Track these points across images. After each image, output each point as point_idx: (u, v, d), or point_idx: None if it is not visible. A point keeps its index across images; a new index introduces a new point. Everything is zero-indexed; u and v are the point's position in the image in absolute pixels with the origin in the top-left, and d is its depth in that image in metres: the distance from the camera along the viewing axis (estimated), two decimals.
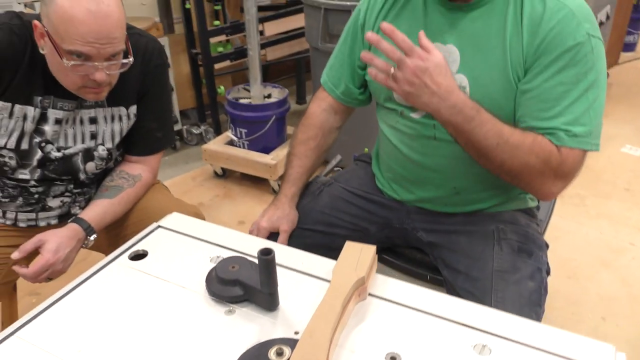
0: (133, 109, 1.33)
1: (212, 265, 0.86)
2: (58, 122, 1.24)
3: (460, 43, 1.10)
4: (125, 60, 1.17)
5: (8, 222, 1.34)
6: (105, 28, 1.08)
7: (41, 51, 1.15)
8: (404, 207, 1.31)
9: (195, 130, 3.16)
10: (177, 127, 3.08)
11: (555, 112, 1.01)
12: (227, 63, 3.07)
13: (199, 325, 0.77)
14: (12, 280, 1.44)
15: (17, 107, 1.19)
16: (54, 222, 1.37)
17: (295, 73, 3.58)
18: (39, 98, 1.21)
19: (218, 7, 2.93)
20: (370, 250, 0.82)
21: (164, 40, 2.86)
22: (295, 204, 1.31)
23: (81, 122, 1.28)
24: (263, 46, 3.10)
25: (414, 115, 1.18)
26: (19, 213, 1.33)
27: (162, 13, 3.24)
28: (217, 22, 3.00)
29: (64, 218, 1.38)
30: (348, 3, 2.46)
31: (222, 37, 3.01)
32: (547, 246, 1.25)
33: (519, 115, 1.07)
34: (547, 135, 1.02)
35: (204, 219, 1.45)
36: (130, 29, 1.33)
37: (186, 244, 0.93)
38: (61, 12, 1.06)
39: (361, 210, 1.35)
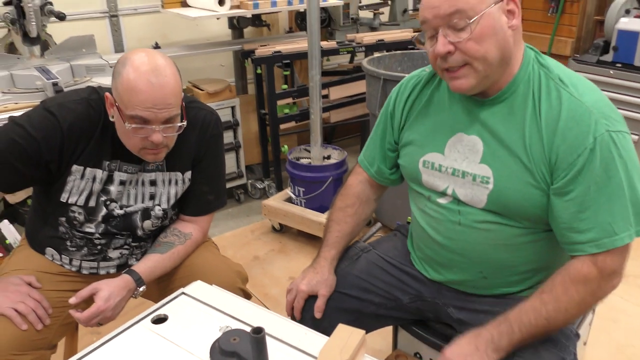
0: (188, 174, 1.48)
1: (219, 334, 0.96)
2: (122, 183, 1.42)
3: (482, 135, 1.16)
4: (180, 124, 1.33)
5: (73, 269, 1.50)
6: (162, 96, 1.25)
7: (110, 119, 1.34)
8: (436, 284, 1.34)
9: (259, 185, 3.33)
10: (242, 181, 3.28)
11: (588, 220, 1.04)
12: (292, 124, 3.24)
13: None
14: (73, 321, 1.60)
15: (88, 170, 1.37)
16: (112, 271, 1.53)
17: (361, 132, 3.70)
18: (107, 162, 1.39)
19: (287, 72, 3.13)
20: (359, 334, 0.88)
21: (235, 101, 3.09)
22: (334, 267, 1.36)
23: (142, 183, 1.45)
24: (328, 109, 3.25)
25: (441, 200, 1.24)
26: (83, 261, 1.50)
27: (238, 75, 3.50)
28: (284, 86, 3.20)
29: (122, 268, 1.52)
30: (405, 75, 2.56)
31: (289, 100, 3.20)
32: (577, 336, 1.24)
33: (554, 217, 1.09)
34: (579, 252, 1.05)
35: (246, 277, 1.56)
36: (192, 102, 1.52)
37: (202, 312, 1.04)
38: (126, 83, 1.24)
39: (395, 279, 1.38)
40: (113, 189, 1.42)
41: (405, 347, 1.57)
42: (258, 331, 0.82)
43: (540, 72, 1.12)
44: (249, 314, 1.03)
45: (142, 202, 1.46)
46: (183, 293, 1.09)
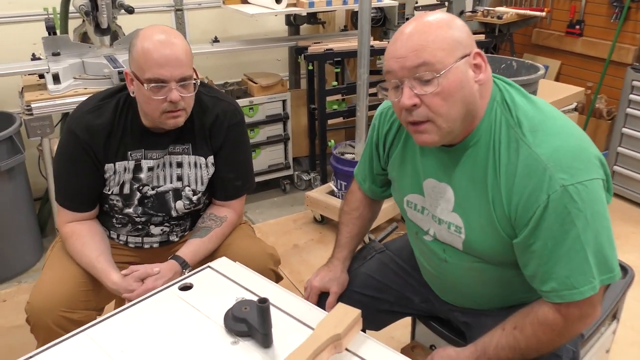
0: (210, 159, 1.61)
1: (234, 304, 1.08)
2: (150, 169, 1.56)
3: (451, 183, 1.15)
4: (194, 81, 1.45)
5: (121, 242, 1.67)
6: (174, 54, 1.39)
7: (132, 94, 1.48)
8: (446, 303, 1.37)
9: (304, 177, 3.46)
10: (289, 172, 3.41)
11: (548, 273, 1.03)
12: (340, 119, 3.35)
13: (209, 348, 1.00)
14: None
15: (117, 164, 1.53)
16: (155, 245, 1.68)
17: None
18: (131, 152, 1.54)
19: (337, 70, 3.24)
20: (354, 312, 0.99)
21: (286, 95, 3.23)
22: (347, 267, 1.43)
23: (170, 165, 1.58)
24: (375, 107, 3.32)
25: (426, 238, 1.25)
26: (128, 236, 1.66)
27: (292, 70, 3.63)
28: (334, 83, 3.31)
29: (164, 244, 1.68)
30: None
31: (338, 96, 3.31)
32: (581, 336, 1.27)
33: (520, 266, 1.10)
34: (546, 299, 1.06)
35: (278, 260, 1.68)
36: (211, 92, 1.64)
37: (223, 283, 1.17)
38: (141, 50, 1.40)
39: (406, 281, 1.43)
40: (143, 175, 1.55)
41: (422, 338, 1.64)
42: (263, 301, 0.93)
43: (502, 118, 1.08)
44: (264, 288, 1.15)
45: (171, 182, 1.59)
46: (209, 267, 1.23)
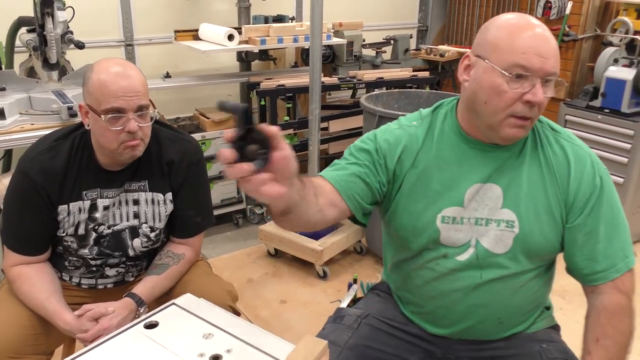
0: (169, 195, 1.60)
1: (204, 340, 1.09)
2: (106, 208, 1.54)
3: (500, 181, 1.21)
4: (151, 113, 1.46)
5: (73, 284, 1.63)
6: (130, 83, 1.40)
7: (87, 127, 1.47)
8: (443, 339, 1.34)
9: (257, 211, 3.47)
10: (241, 206, 3.41)
11: (605, 249, 1.19)
12: None
13: None
14: None
15: (71, 205, 1.51)
16: (110, 286, 1.65)
17: None
18: (86, 192, 1.51)
19: (289, 105, 3.30)
20: (321, 344, 1.01)
21: None
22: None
23: (126, 203, 1.56)
24: (327, 141, 3.40)
25: (460, 258, 1.24)
26: (82, 278, 1.62)
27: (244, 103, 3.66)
28: (286, 118, 3.36)
29: (119, 284, 1.65)
30: (399, 113, 2.72)
31: (290, 131, 3.36)
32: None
33: (574, 252, 1.22)
34: (601, 280, 1.20)
35: (236, 296, 1.67)
36: (169, 128, 1.65)
37: (189, 320, 1.16)
38: (97, 82, 1.40)
39: (401, 341, 1.36)
40: (98, 215, 1.53)
41: None
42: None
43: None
44: (230, 324, 1.15)
45: (127, 220, 1.57)
46: (174, 304, 1.22)
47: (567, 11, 3.83)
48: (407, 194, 1.26)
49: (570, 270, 1.27)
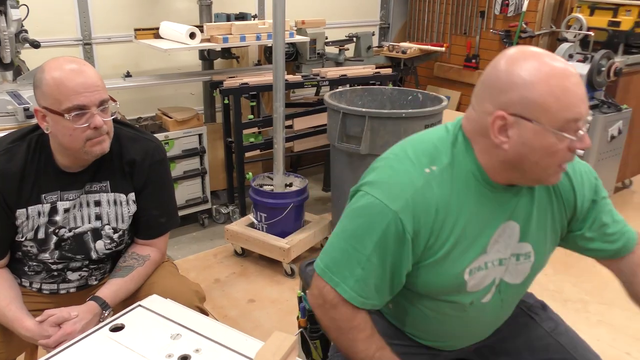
0: (131, 196, 1.56)
1: (172, 341, 1.08)
2: (66, 210, 1.50)
3: (516, 217, 1.18)
4: (112, 107, 1.43)
5: (34, 289, 1.58)
6: (89, 78, 1.37)
7: (46, 131, 1.42)
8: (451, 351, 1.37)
9: (223, 210, 3.44)
10: (207, 206, 3.38)
11: (624, 225, 1.30)
12: (257, 152, 3.38)
13: None
14: None
15: (30, 208, 1.46)
16: (72, 290, 1.60)
17: (325, 162, 3.86)
18: (45, 195, 1.47)
19: (253, 104, 3.29)
20: (290, 339, 1.01)
21: (202, 129, 3.22)
22: None
23: (87, 204, 1.52)
24: (292, 138, 3.40)
25: (485, 300, 1.23)
26: (43, 283, 1.57)
27: (207, 104, 3.64)
28: (251, 116, 3.35)
29: (82, 288, 1.61)
30: (363, 109, 2.74)
31: (255, 129, 3.35)
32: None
33: (588, 244, 1.28)
34: (633, 243, 1.29)
35: (204, 296, 1.66)
36: (131, 128, 1.61)
37: (156, 321, 1.15)
38: (52, 82, 1.36)
39: (404, 355, 1.27)
40: (59, 217, 1.49)
41: None
42: None
43: None
44: (199, 323, 1.14)
45: (89, 222, 1.53)
46: (140, 305, 1.20)
47: (524, 8, 3.92)
48: (433, 260, 1.16)
49: (589, 254, 1.33)
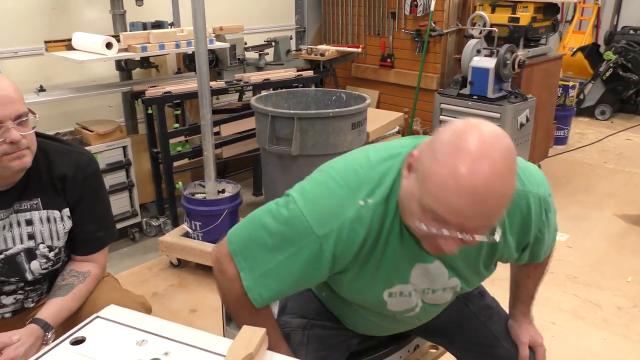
0: (66, 211, 1.51)
1: (139, 347, 1.06)
2: None
3: (442, 258, 1.17)
4: (32, 120, 1.37)
5: None
6: (2, 90, 1.31)
7: None
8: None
9: (154, 223, 3.37)
10: (136, 220, 3.29)
11: (547, 248, 1.33)
12: (185, 161, 3.34)
13: None
14: None
15: None
16: (8, 315, 1.53)
17: (253, 167, 3.87)
18: None
19: (178, 112, 3.24)
20: (260, 332, 1.03)
21: (126, 141, 3.14)
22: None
23: (18, 224, 1.46)
24: (219, 145, 3.39)
25: (408, 314, 1.29)
26: None
27: (127, 115, 3.54)
28: (176, 125, 3.30)
29: (18, 312, 1.54)
30: (292, 111, 2.79)
31: (182, 138, 3.30)
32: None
33: (518, 260, 1.31)
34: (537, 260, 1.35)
35: (150, 308, 1.63)
36: (58, 141, 1.56)
37: (118, 330, 1.13)
38: None
39: (353, 333, 1.43)
40: None
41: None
42: None
43: None
44: (163, 327, 1.14)
45: (22, 242, 1.47)
46: (98, 317, 1.17)
47: (432, 8, 4.14)
48: (352, 276, 1.18)
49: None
